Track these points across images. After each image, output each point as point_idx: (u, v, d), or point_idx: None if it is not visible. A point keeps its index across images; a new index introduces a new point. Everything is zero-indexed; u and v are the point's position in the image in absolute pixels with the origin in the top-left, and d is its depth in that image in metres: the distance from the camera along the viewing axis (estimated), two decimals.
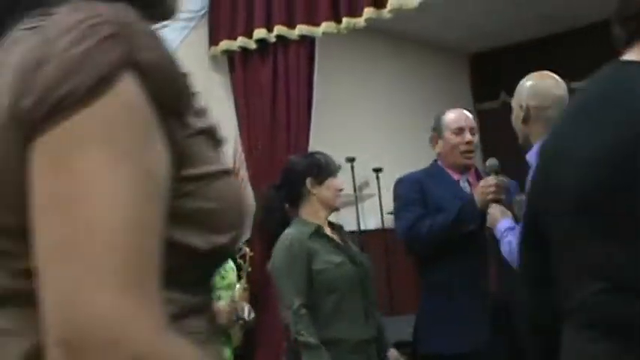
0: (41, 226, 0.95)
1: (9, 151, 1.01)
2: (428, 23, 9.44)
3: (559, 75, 11.67)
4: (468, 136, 3.92)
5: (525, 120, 3.53)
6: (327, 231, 3.71)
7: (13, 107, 1.00)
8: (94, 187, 0.94)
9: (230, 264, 3.38)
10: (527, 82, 3.64)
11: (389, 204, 8.72)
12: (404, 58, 10.08)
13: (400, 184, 4.07)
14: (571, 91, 11.57)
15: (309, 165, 3.72)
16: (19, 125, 0.99)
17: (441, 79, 10.63)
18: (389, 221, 8.63)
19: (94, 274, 0.90)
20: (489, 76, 11.07)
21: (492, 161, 3.79)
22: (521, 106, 3.55)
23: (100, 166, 0.95)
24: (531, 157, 3.29)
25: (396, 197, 4.06)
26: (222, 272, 3.27)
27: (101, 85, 0.98)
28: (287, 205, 3.82)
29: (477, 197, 3.69)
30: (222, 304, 3.19)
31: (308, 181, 3.69)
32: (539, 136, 3.36)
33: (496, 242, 3.68)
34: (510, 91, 12.23)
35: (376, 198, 8.49)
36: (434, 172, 4.02)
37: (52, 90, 0.97)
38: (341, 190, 3.81)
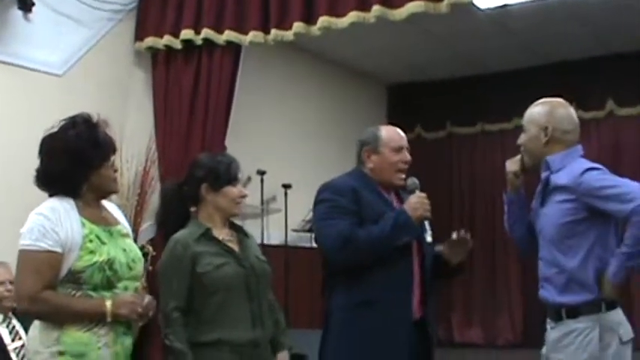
0: None
1: None
2: (353, 49, 9.53)
3: (474, 117, 11.90)
4: (408, 156, 3.87)
5: (548, 142, 3.59)
6: (221, 233, 3.67)
7: None
8: None
9: (138, 254, 3.31)
10: (550, 108, 3.63)
11: (294, 221, 8.80)
12: (326, 80, 10.15)
13: (331, 189, 3.84)
14: (485, 133, 11.79)
15: (208, 171, 3.66)
16: None
17: (359, 105, 10.72)
18: (292, 237, 8.66)
19: None
20: (406, 108, 11.21)
21: (413, 179, 3.81)
22: (545, 129, 3.58)
23: None
24: (556, 160, 3.58)
25: (324, 201, 3.81)
26: (131, 263, 3.21)
27: None
28: (191, 205, 3.79)
29: (412, 212, 3.67)
30: (126, 294, 3.14)
31: (203, 187, 3.65)
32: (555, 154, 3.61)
33: (422, 260, 3.79)
34: (426, 125, 12.48)
35: (282, 214, 8.49)
36: (367, 183, 3.86)
37: None
38: (242, 196, 3.75)
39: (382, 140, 3.91)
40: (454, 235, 3.83)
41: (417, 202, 3.73)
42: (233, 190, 3.70)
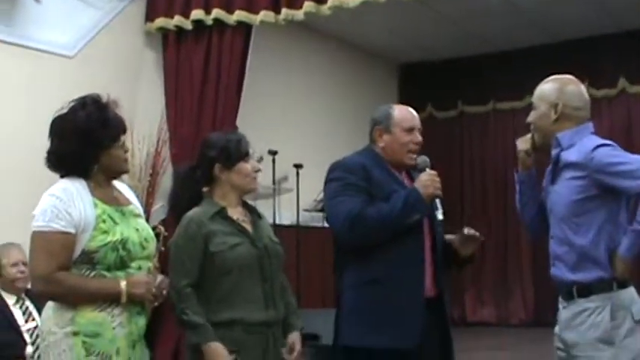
0: None
1: None
2: (365, 28, 9.51)
3: (485, 96, 11.85)
4: (419, 137, 3.85)
5: (558, 119, 3.57)
6: (236, 212, 3.67)
7: None
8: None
9: (150, 233, 3.32)
10: (561, 84, 3.60)
11: (306, 201, 8.83)
12: (337, 60, 10.15)
13: (341, 167, 3.83)
14: (496, 111, 11.73)
15: (219, 151, 3.66)
16: None
17: (371, 84, 10.72)
18: (304, 217, 8.67)
19: None
20: (418, 87, 11.19)
21: (424, 158, 3.79)
22: (555, 106, 3.55)
23: None
24: (566, 137, 3.53)
25: (335, 180, 3.80)
26: (144, 243, 3.22)
27: None
28: (204, 186, 3.79)
29: (423, 190, 3.66)
30: (140, 274, 3.15)
31: (216, 167, 3.65)
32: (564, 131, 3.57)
33: (433, 238, 3.79)
34: (437, 104, 12.46)
35: (293, 194, 8.50)
36: (377, 161, 3.84)
37: None
38: (257, 171, 3.75)
39: (394, 120, 3.87)
40: (465, 231, 3.82)
41: (427, 180, 3.71)
42: (246, 166, 3.69)
